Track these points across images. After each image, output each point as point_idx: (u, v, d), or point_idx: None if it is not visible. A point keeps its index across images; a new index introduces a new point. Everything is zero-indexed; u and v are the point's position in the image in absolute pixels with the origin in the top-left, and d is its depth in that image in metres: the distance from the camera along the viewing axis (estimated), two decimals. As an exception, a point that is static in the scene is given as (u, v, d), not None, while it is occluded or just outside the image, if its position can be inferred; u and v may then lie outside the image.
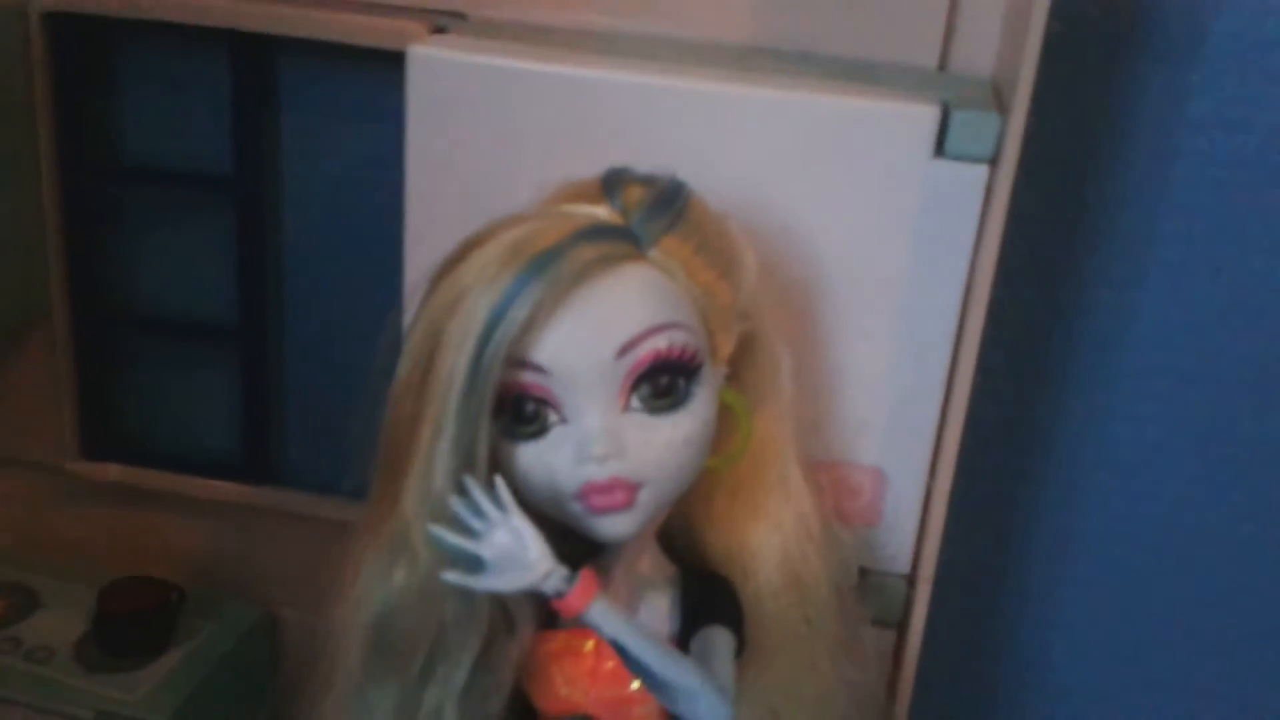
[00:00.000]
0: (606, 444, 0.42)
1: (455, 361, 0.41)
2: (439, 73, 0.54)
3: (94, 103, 0.73)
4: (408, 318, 0.46)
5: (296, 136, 0.72)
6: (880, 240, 0.54)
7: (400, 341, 0.45)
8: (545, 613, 0.47)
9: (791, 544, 0.50)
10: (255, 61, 0.70)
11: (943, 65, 0.59)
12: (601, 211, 0.44)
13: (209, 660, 0.75)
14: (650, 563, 0.48)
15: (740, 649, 0.47)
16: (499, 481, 0.41)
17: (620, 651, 0.42)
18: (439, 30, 0.60)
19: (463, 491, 0.41)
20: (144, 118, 0.73)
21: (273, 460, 0.79)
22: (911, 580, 0.59)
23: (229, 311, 0.75)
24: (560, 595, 0.41)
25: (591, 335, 0.42)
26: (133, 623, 0.74)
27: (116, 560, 0.79)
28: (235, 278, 0.74)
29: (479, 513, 0.41)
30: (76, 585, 0.79)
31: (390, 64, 0.58)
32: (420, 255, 0.56)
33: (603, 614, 0.41)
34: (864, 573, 0.58)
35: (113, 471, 0.79)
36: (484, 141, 0.55)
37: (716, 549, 0.50)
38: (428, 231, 0.56)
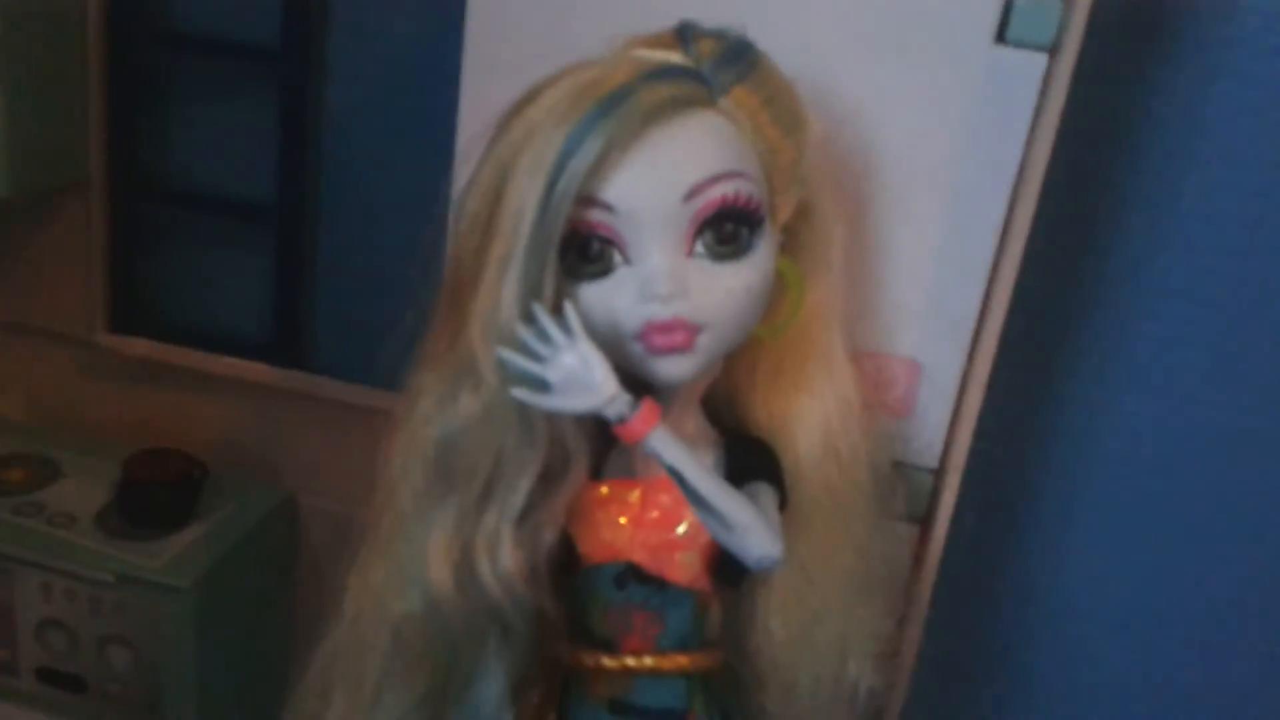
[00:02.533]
0: (671, 284, 0.42)
1: (526, 196, 0.41)
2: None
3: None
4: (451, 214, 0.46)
5: (346, 11, 0.71)
6: (936, 125, 0.54)
7: (443, 235, 0.45)
8: (594, 464, 0.48)
9: (833, 417, 0.50)
10: (309, -65, 0.70)
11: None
12: (675, 57, 0.44)
13: (230, 537, 0.75)
14: (695, 425, 0.49)
15: (782, 505, 0.47)
16: (568, 307, 0.41)
17: (678, 480, 0.42)
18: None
19: (530, 319, 0.42)
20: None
21: (303, 343, 0.79)
22: (940, 472, 0.59)
23: (267, 189, 0.75)
24: (623, 420, 0.41)
25: (661, 176, 0.42)
26: (156, 492, 0.75)
27: (140, 436, 0.79)
28: (275, 155, 0.74)
29: (546, 338, 0.41)
30: (99, 459, 0.79)
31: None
32: (475, 119, 0.56)
33: (663, 440, 0.42)
34: (893, 466, 0.59)
35: (140, 347, 0.79)
36: (545, 11, 0.55)
37: (759, 418, 0.50)
38: (483, 98, 0.56)
